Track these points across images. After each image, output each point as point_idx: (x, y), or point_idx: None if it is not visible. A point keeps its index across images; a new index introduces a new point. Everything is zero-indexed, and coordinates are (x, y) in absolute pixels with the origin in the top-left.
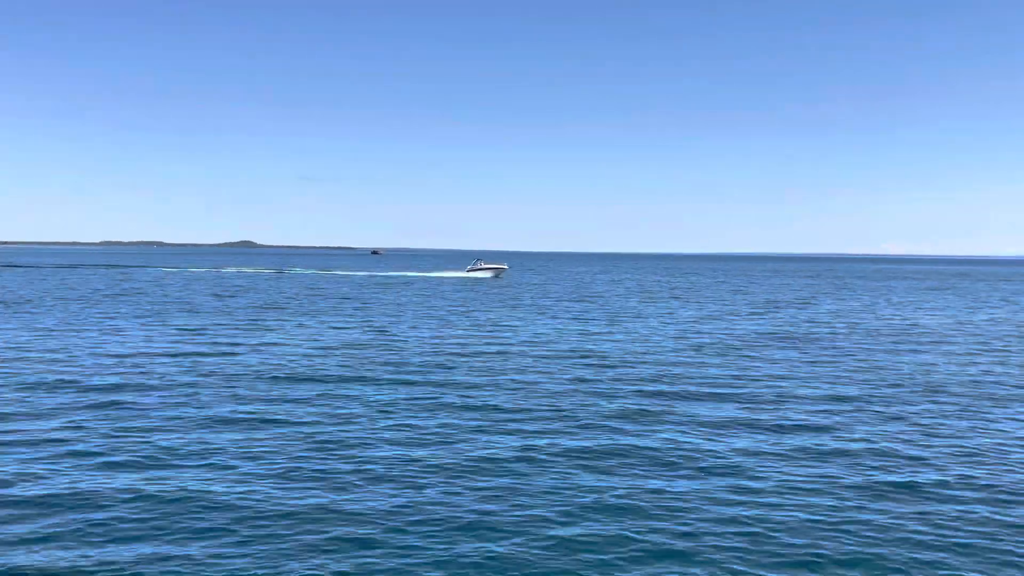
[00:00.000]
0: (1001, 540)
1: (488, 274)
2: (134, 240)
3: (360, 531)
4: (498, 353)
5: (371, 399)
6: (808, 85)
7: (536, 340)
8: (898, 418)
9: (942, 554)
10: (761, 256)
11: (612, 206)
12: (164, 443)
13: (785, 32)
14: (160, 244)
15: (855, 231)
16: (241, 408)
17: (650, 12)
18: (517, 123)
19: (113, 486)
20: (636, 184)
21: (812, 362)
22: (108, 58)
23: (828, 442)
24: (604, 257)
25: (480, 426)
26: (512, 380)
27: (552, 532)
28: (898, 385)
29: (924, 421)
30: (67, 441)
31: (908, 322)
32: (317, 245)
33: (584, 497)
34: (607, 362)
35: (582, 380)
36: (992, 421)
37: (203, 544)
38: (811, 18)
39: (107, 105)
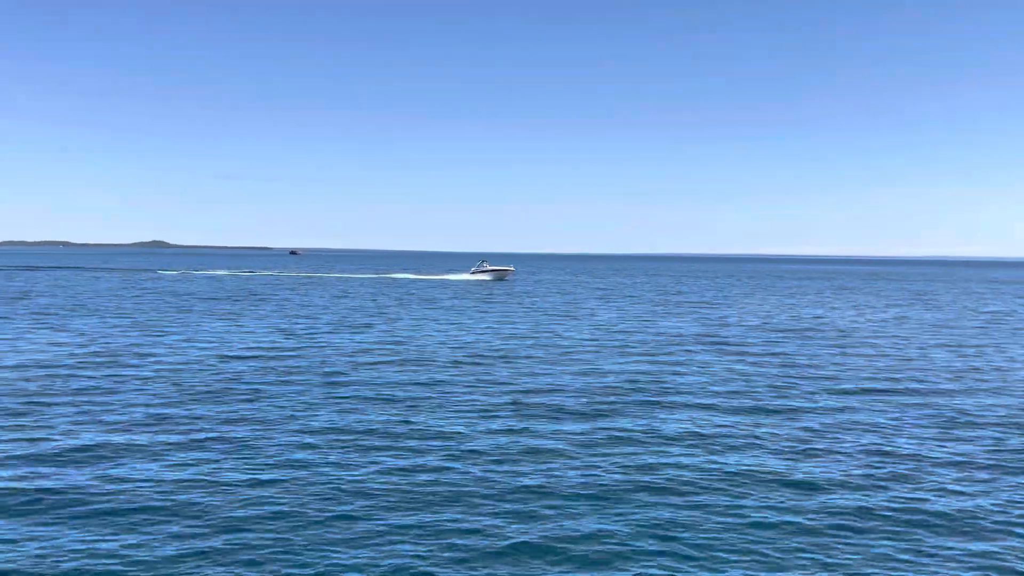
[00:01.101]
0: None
1: (490, 276)
2: (38, 240)
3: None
4: (415, 356)
5: (260, 408)
6: (723, 91)
7: (451, 343)
8: (799, 421)
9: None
10: (679, 257)
11: (537, 206)
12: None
13: (686, 36)
14: (66, 244)
15: (769, 232)
16: (144, 418)
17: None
18: (439, 122)
19: None
20: (564, 185)
21: (728, 360)
22: (11, 48)
23: (740, 458)
24: (543, 258)
25: (391, 443)
26: (424, 386)
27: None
28: (806, 380)
29: (830, 419)
30: None
31: (822, 320)
32: (233, 245)
33: (501, 519)
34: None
35: (498, 385)
36: (900, 420)
37: None
38: (718, 20)
39: (9, 97)
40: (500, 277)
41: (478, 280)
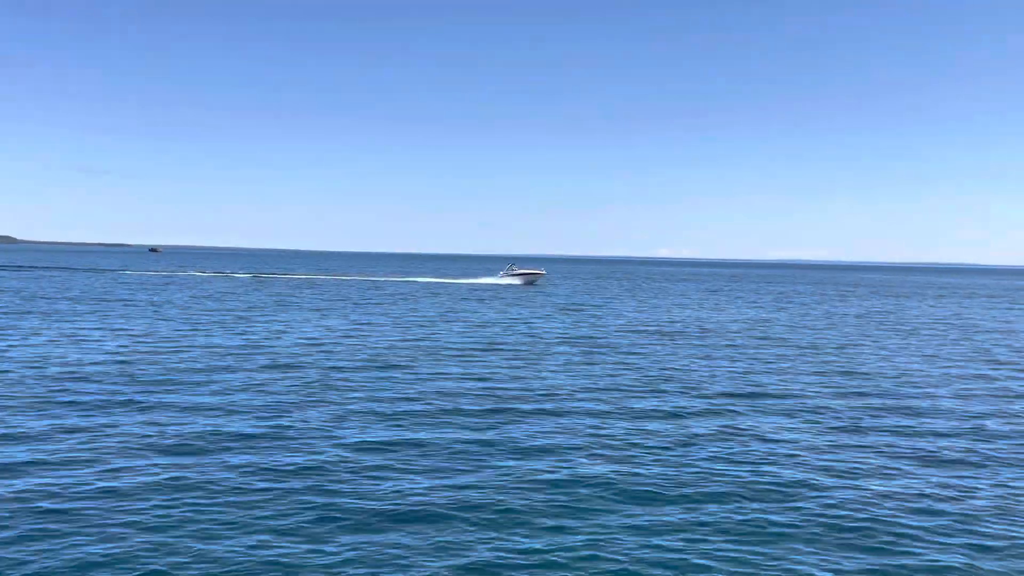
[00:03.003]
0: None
1: (519, 280)
2: None
3: None
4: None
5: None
6: (594, 98)
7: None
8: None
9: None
10: (560, 258)
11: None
12: None
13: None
14: None
15: (633, 236)
16: None
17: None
18: (297, 119)
19: None
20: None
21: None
22: None
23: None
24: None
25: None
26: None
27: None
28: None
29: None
30: None
31: (698, 322)
32: (90, 241)
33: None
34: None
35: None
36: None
37: None
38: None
39: None
40: (531, 281)
41: (507, 284)
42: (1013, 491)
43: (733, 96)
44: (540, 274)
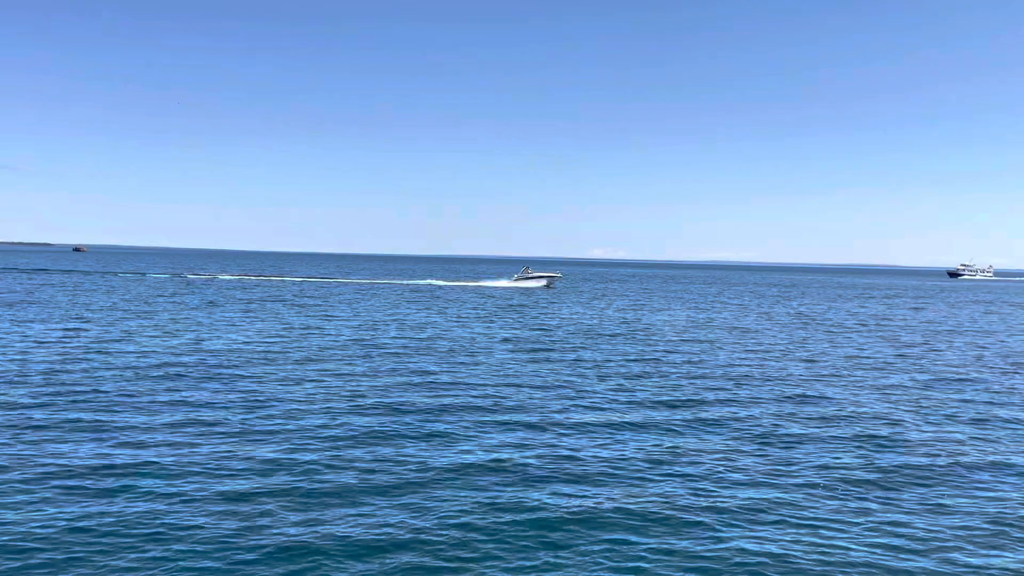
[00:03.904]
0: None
1: (539, 283)
2: None
3: None
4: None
5: None
6: (522, 100)
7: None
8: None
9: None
10: (492, 259)
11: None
12: None
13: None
14: None
15: (567, 237)
16: None
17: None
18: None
19: None
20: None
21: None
22: None
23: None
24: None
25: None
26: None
27: None
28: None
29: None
30: None
31: (642, 322)
32: (11, 240)
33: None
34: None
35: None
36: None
37: None
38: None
39: None
40: (548, 284)
41: (521, 287)
42: (944, 508)
43: (666, 100)
44: (558, 277)
